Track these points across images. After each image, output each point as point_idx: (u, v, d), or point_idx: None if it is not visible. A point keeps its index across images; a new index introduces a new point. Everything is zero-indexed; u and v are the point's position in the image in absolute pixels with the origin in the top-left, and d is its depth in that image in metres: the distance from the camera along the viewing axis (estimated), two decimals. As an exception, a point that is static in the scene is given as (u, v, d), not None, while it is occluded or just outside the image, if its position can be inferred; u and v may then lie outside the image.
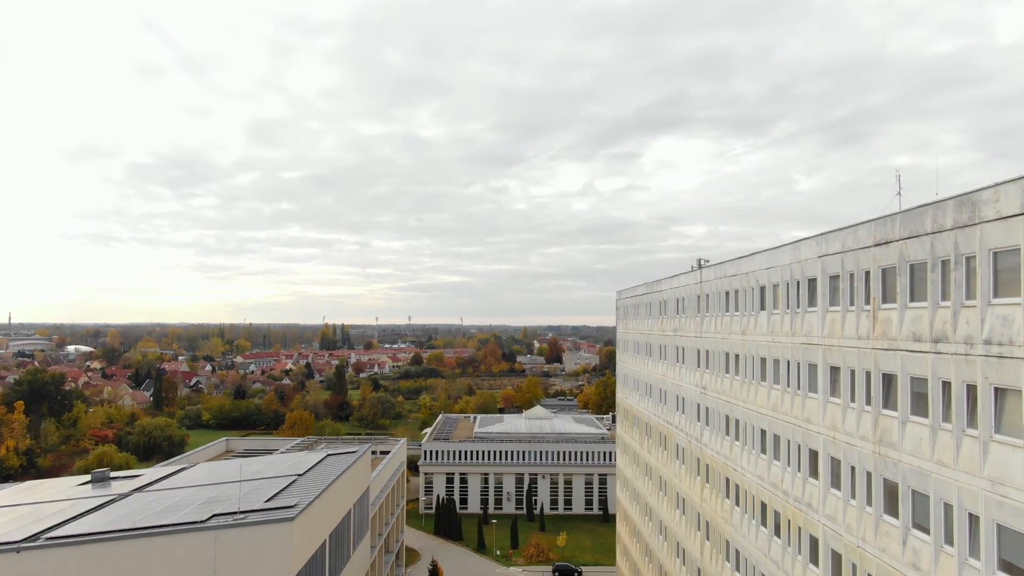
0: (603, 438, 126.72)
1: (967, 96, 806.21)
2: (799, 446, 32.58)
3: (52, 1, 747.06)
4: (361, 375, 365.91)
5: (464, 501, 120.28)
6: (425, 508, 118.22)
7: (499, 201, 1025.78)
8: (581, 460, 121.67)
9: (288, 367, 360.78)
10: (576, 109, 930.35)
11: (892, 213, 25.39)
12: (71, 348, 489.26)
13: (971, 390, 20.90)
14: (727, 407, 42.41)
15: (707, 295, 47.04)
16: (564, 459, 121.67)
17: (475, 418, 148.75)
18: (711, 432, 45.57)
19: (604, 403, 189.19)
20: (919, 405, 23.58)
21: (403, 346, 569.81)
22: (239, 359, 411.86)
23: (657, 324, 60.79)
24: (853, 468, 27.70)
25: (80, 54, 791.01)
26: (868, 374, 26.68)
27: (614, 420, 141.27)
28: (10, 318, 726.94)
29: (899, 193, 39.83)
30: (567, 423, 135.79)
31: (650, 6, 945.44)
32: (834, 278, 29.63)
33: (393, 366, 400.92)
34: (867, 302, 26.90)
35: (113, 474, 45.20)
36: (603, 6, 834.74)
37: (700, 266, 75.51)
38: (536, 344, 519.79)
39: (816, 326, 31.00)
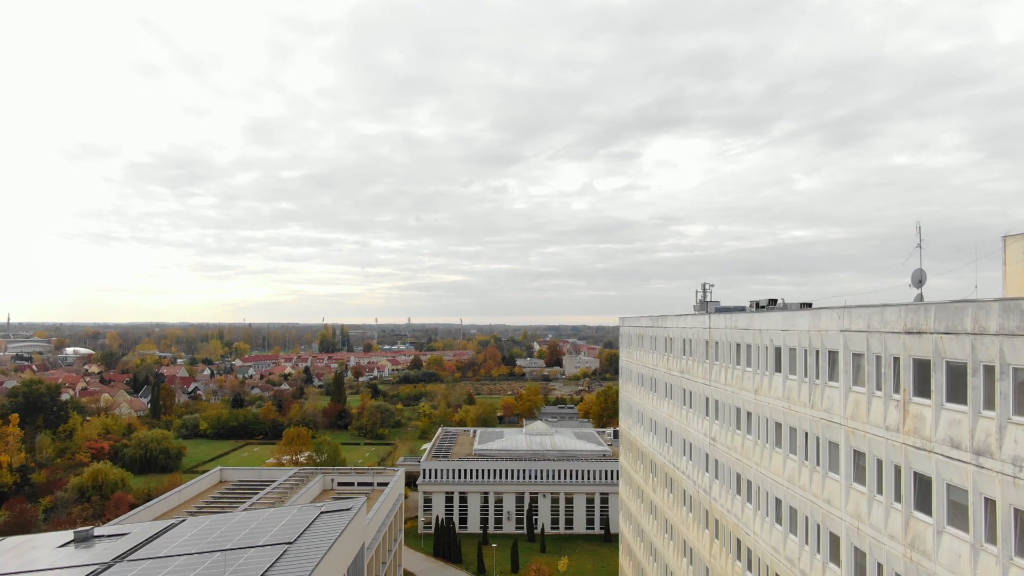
0: (604, 455, 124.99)
1: (966, 96, 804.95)
2: (819, 526, 30.73)
3: (50, 1, 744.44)
4: (360, 379, 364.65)
5: (464, 520, 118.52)
6: (424, 528, 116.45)
7: (498, 201, 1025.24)
8: (582, 479, 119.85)
9: (287, 371, 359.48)
10: (575, 109, 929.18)
11: (926, 302, 23.49)
12: (69, 350, 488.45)
13: (1019, 515, 19.04)
14: (739, 465, 40.56)
15: (716, 342, 45.18)
16: (565, 477, 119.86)
17: (475, 432, 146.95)
18: (721, 487, 43.73)
19: (605, 413, 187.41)
20: (957, 516, 21.71)
21: (403, 347, 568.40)
22: (238, 362, 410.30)
23: (663, 361, 58.92)
24: (880, 566, 25.84)
25: (78, 54, 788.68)
26: (898, 469, 24.80)
27: (615, 436, 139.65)
28: (9, 319, 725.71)
29: (919, 245, 38.03)
30: (568, 439, 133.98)
31: (647, 6, 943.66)
32: (858, 356, 27.74)
33: (392, 369, 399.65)
34: (896, 390, 25.02)
35: (97, 532, 43.34)
36: (600, 6, 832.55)
37: (705, 292, 73.13)
38: (536, 346, 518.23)
39: (837, 403, 29.13)
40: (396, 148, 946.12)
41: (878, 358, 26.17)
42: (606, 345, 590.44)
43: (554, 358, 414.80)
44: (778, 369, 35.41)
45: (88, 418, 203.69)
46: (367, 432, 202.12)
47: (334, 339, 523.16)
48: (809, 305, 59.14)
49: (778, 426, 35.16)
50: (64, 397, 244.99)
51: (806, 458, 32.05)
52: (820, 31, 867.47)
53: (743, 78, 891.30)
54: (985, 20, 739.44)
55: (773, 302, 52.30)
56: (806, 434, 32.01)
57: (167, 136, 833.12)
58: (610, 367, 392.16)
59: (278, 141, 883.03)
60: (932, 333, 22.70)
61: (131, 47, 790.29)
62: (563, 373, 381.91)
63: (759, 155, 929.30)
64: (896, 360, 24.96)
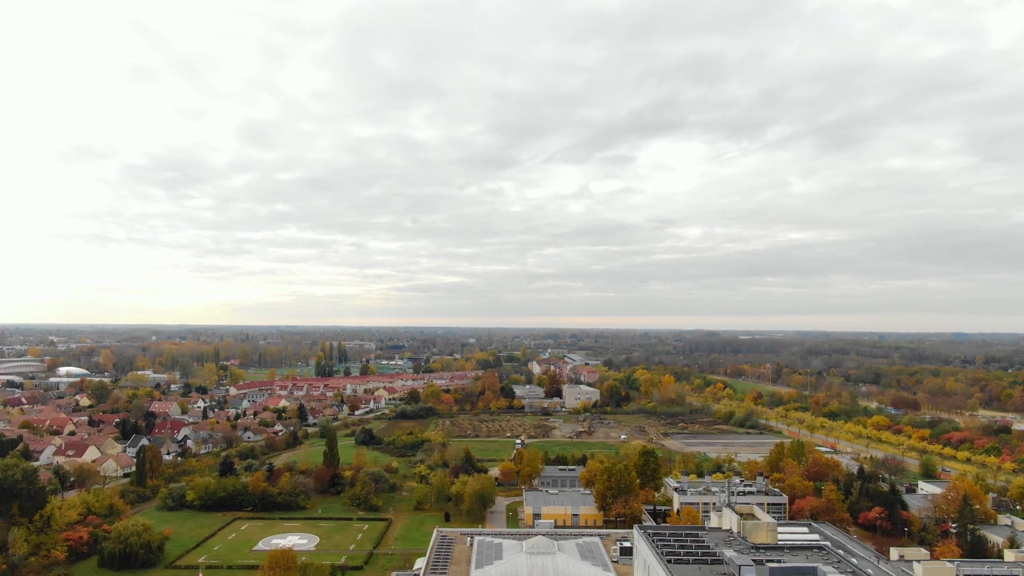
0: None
1: (960, 100, 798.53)
2: None
3: (44, 5, 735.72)
4: (356, 413, 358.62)
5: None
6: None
7: (494, 203, 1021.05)
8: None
9: (282, 403, 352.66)
10: (569, 112, 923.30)
11: None
12: (62, 371, 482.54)
13: None
14: None
15: None
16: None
17: (471, 542, 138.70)
18: None
19: (609, 493, 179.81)
20: None
21: (400, 363, 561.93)
22: (232, 390, 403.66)
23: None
24: None
25: (70, 56, 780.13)
26: None
27: (622, 552, 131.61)
28: (2, 330, 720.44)
29: None
30: (572, 560, 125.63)
31: (640, 10, 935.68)
32: None
33: (389, 400, 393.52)
34: None
35: None
36: (593, 11, 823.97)
37: (730, 491, 64.21)
38: (536, 369, 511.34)
39: None
40: (391, 151, 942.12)
41: None
42: (605, 363, 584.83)
43: (554, 388, 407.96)
44: None
45: (71, 482, 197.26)
46: (361, 502, 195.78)
47: (331, 359, 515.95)
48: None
49: None
50: (47, 453, 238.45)
51: None
52: (813, 36, 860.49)
53: (737, 82, 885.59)
54: (978, 26, 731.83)
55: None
56: None
57: (162, 138, 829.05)
58: (611, 399, 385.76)
59: (273, 143, 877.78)
60: None
61: (123, 50, 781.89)
62: (563, 406, 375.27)
63: (755, 158, 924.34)
64: None
